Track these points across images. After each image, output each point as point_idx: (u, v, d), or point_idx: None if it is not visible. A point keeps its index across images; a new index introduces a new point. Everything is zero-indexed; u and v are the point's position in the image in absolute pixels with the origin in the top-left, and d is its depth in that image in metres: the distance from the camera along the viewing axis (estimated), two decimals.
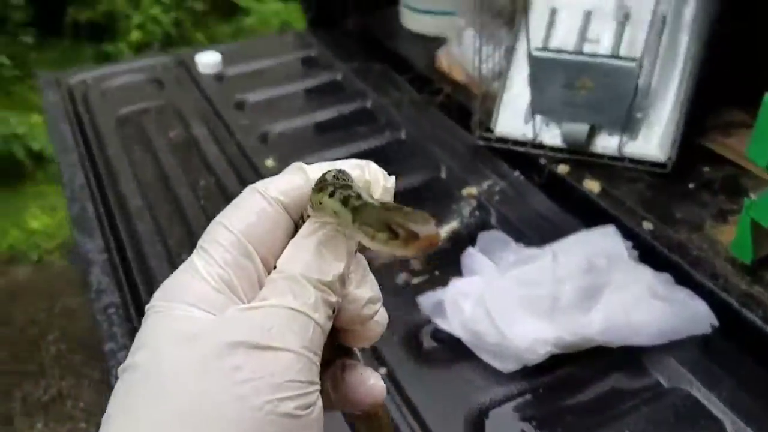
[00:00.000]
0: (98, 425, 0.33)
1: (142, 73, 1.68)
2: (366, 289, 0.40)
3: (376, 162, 0.39)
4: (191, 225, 1.22)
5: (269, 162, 1.35)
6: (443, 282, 0.98)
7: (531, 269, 0.94)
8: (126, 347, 0.97)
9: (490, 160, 1.30)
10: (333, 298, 0.37)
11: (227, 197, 1.28)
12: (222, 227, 0.37)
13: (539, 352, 0.86)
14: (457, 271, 1.01)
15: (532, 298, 0.90)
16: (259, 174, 1.33)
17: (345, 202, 0.34)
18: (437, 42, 1.64)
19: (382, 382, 0.41)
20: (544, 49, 1.23)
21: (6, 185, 3.43)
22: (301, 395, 0.33)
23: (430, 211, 0.32)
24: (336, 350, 0.40)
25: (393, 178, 0.41)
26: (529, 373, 0.87)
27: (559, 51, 1.21)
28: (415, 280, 1.05)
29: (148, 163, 1.38)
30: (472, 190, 1.24)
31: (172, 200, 1.28)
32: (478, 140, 1.31)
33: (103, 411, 0.33)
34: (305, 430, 0.34)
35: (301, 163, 0.40)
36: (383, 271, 1.05)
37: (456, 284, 0.96)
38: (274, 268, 0.38)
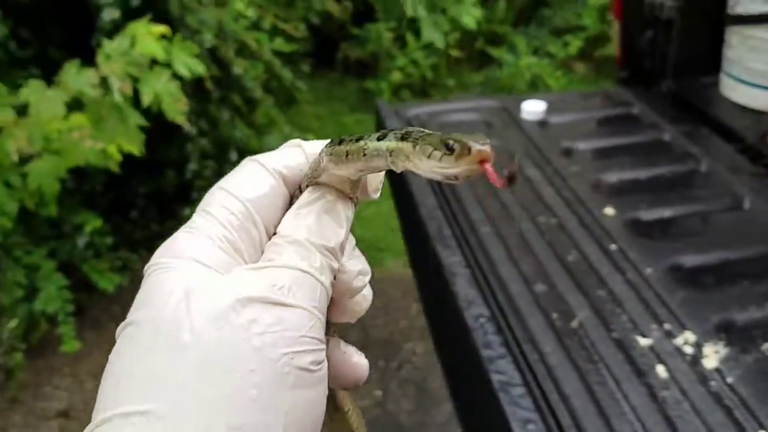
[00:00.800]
0: None
1: (472, 113, 1.84)
2: (357, 262, 0.42)
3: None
4: (538, 255, 1.31)
5: (608, 210, 1.41)
6: None
7: None
8: (502, 357, 1.07)
9: None
10: (335, 264, 0.39)
11: (568, 235, 1.36)
12: (226, 193, 0.39)
13: None
14: None
15: None
16: (597, 221, 1.40)
17: (404, 137, 0.37)
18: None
19: (365, 360, 0.42)
20: None
21: None
22: (314, 351, 0.35)
23: None
24: None
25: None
26: None
27: None
28: None
29: (488, 195, 1.50)
30: None
31: (516, 232, 1.38)
32: None
33: None
34: (317, 385, 0.35)
35: (299, 139, 0.42)
36: None
37: None
38: (273, 234, 0.39)
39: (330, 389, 0.40)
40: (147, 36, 2.22)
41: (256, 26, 3.20)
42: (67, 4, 2.63)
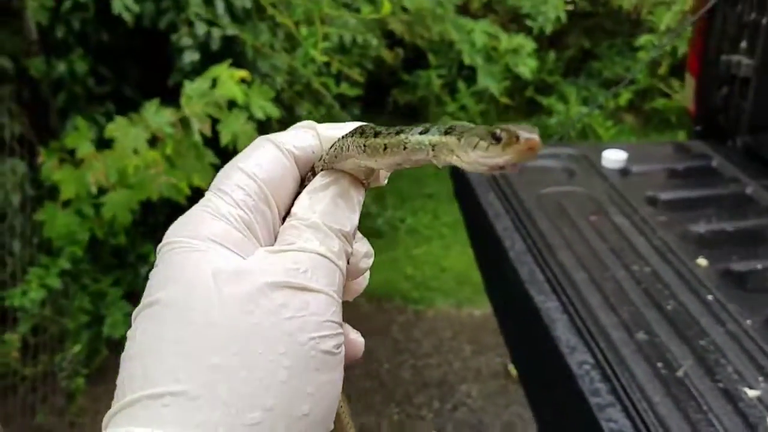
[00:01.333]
0: None
1: (551, 159, 1.86)
2: (362, 244, 0.41)
3: None
4: (636, 303, 1.30)
5: (701, 260, 1.40)
6: None
7: None
8: (612, 405, 1.06)
9: None
10: (349, 249, 0.38)
11: (664, 285, 1.36)
12: (240, 172, 0.39)
13: None
14: None
15: None
16: (691, 271, 1.39)
17: (448, 132, 0.37)
18: None
19: (362, 338, 0.41)
20: None
21: None
22: (336, 335, 0.35)
23: None
24: None
25: None
26: None
27: None
28: None
29: (578, 240, 1.51)
30: None
31: (611, 278, 1.38)
32: None
33: None
34: (337, 368, 0.35)
35: (312, 121, 0.42)
36: None
37: None
38: (286, 215, 0.39)
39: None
40: (228, 79, 2.30)
41: (322, 71, 3.28)
42: (145, 44, 2.74)
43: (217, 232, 0.36)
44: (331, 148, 0.41)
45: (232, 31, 2.59)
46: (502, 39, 4.36)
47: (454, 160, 0.37)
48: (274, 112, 2.45)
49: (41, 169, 2.28)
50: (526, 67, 4.31)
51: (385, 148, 0.38)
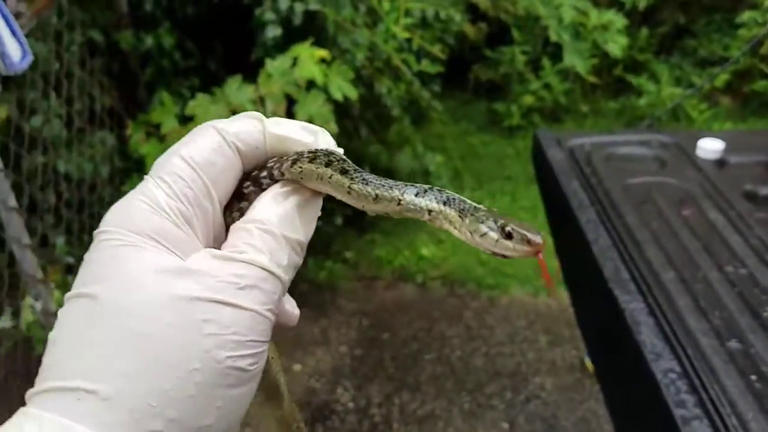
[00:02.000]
0: None
1: (641, 147, 1.76)
2: (291, 306, 0.42)
3: None
4: (729, 308, 1.22)
5: None
6: None
7: None
8: (698, 418, 0.99)
9: None
10: (300, 261, 0.37)
11: (761, 289, 1.26)
12: (182, 160, 0.37)
13: None
14: None
15: None
16: None
17: (447, 203, 0.38)
18: None
19: (297, 311, 0.41)
20: None
21: None
22: (256, 354, 0.34)
23: None
24: None
25: (341, 151, 0.40)
26: None
27: None
28: None
29: (667, 236, 1.42)
30: None
31: (702, 280, 1.29)
32: None
33: None
34: (250, 382, 0.35)
35: (259, 113, 0.40)
36: None
37: None
38: (226, 210, 0.38)
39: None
40: (309, 59, 2.29)
41: (403, 48, 3.23)
42: (229, 19, 2.77)
43: (156, 227, 0.36)
44: (293, 164, 0.40)
45: (314, 5, 2.57)
46: (591, 14, 4.17)
47: (450, 229, 0.39)
48: (353, 93, 2.43)
49: (129, 141, 2.35)
50: (616, 45, 4.12)
51: (376, 198, 0.39)
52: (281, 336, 3.14)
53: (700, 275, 1.30)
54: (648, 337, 1.15)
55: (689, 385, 1.06)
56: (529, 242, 0.36)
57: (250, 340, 0.35)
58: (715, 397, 1.04)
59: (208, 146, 0.39)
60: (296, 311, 0.42)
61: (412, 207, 0.40)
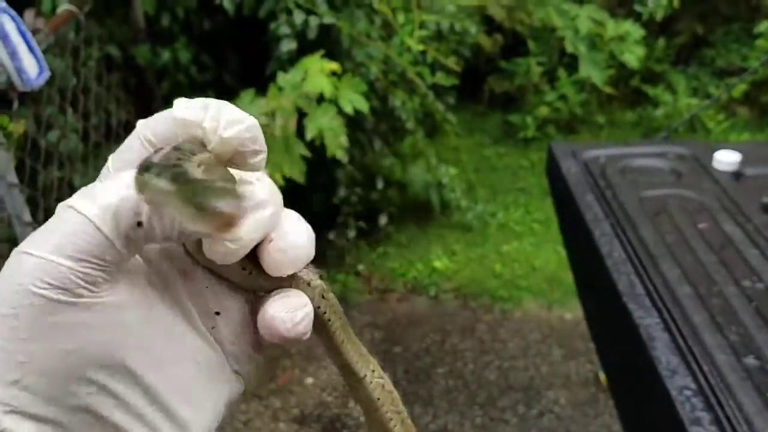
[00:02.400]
0: None
1: (657, 159, 1.74)
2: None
3: None
4: (746, 324, 1.19)
5: None
6: None
7: None
8: None
9: None
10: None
11: None
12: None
13: None
14: None
15: None
16: None
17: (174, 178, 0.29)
18: None
19: (284, 315, 0.36)
20: None
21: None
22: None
23: None
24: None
25: (237, 128, 0.33)
26: None
27: None
28: None
29: (683, 250, 1.40)
30: None
31: (719, 295, 1.27)
32: None
33: None
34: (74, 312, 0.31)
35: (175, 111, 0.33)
36: None
37: None
38: None
39: (339, 352, 0.42)
40: (318, 72, 2.30)
41: (418, 60, 3.24)
42: (245, 34, 2.79)
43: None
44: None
45: (329, 19, 2.59)
46: (608, 25, 4.16)
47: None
48: (364, 106, 2.44)
49: None
50: (633, 55, 4.10)
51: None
52: (294, 349, 3.14)
53: (716, 290, 1.28)
54: (663, 353, 1.13)
55: (705, 402, 1.04)
56: (218, 215, 0.29)
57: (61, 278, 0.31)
58: (731, 414, 1.01)
59: (126, 142, 0.36)
60: (280, 315, 0.36)
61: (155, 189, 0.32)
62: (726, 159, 1.67)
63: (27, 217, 1.92)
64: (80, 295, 0.31)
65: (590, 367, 2.81)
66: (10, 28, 1.85)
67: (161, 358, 0.35)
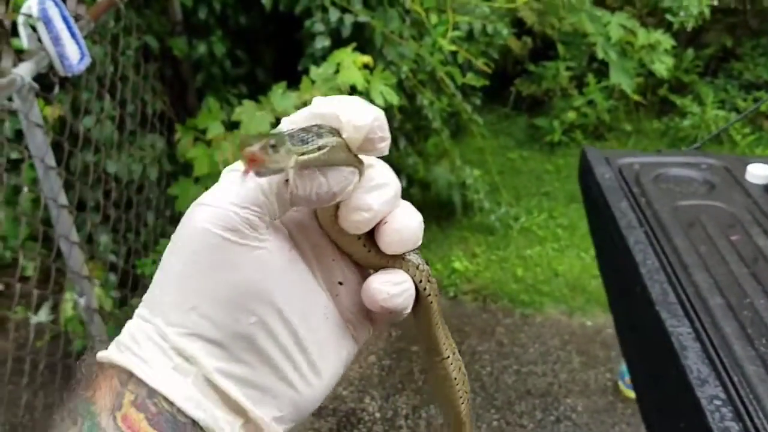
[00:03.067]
0: None
1: (690, 169, 1.74)
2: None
3: None
4: None
5: None
6: None
7: None
8: None
9: None
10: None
11: None
12: None
13: None
14: None
15: None
16: None
17: None
18: None
19: (389, 288, 0.41)
20: None
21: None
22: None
23: None
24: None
25: (367, 118, 0.39)
26: None
27: None
28: None
29: (715, 261, 1.40)
30: None
31: (749, 306, 1.27)
32: None
33: None
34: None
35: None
36: None
37: None
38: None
39: (431, 333, 0.47)
40: (351, 65, 2.32)
41: (448, 60, 3.24)
42: (280, 30, 2.82)
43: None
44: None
45: (363, 17, 2.61)
46: (639, 34, 4.14)
47: None
48: (394, 98, 2.45)
49: (177, 145, 2.41)
50: (662, 65, 4.08)
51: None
52: None
53: (747, 302, 1.28)
54: (694, 362, 1.13)
55: (734, 413, 1.04)
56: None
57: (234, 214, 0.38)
58: (760, 425, 1.02)
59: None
60: (384, 288, 0.42)
61: None
62: (759, 172, 1.67)
63: (63, 200, 1.96)
64: (245, 236, 0.38)
65: (609, 376, 2.81)
66: (54, 13, 1.89)
67: (303, 309, 0.41)
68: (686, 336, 1.19)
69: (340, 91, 2.44)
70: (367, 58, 2.47)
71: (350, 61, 2.44)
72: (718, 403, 1.06)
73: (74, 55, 1.96)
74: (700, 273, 1.36)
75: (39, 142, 1.86)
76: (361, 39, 2.63)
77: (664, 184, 1.69)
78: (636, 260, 1.40)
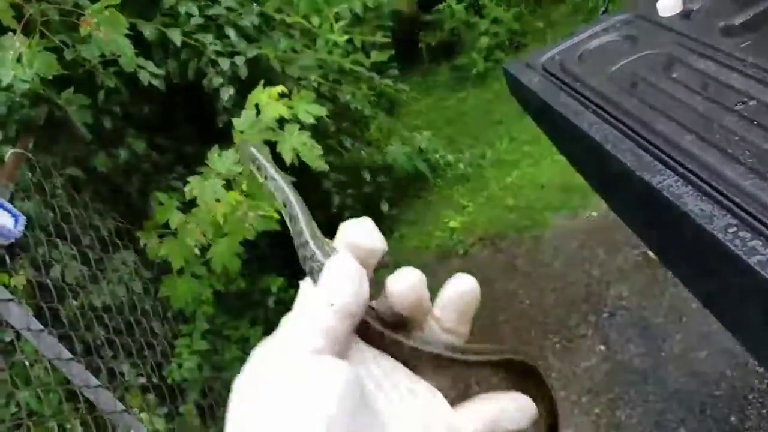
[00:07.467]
0: None
1: (606, 35, 1.75)
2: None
3: None
4: (756, 143, 1.21)
5: None
6: None
7: None
8: None
9: None
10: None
11: None
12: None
13: None
14: None
15: None
16: None
17: None
18: None
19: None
20: None
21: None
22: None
23: None
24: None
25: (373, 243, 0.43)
26: None
27: None
28: None
29: (669, 104, 1.41)
30: None
31: (720, 129, 1.29)
32: None
33: None
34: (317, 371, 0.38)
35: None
36: None
37: None
38: None
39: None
40: (269, 101, 2.31)
41: (348, 50, 3.25)
42: (185, 99, 2.80)
43: None
44: None
45: (251, 52, 2.60)
46: None
47: None
48: (322, 111, 2.45)
49: (146, 250, 2.39)
50: None
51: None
52: None
53: (715, 126, 1.29)
54: (693, 204, 1.14)
55: (753, 231, 1.05)
56: None
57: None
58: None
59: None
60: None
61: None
62: (669, 4, 1.68)
63: (66, 354, 1.95)
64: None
65: (637, 252, 2.84)
66: None
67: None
68: (675, 185, 1.20)
69: (271, 129, 2.43)
70: (279, 88, 2.47)
71: (266, 98, 2.43)
72: (733, 229, 1.07)
73: (8, 221, 1.94)
74: (661, 122, 1.37)
75: (17, 314, 1.85)
76: (260, 72, 2.62)
77: (589, 59, 1.70)
78: (598, 141, 1.41)
